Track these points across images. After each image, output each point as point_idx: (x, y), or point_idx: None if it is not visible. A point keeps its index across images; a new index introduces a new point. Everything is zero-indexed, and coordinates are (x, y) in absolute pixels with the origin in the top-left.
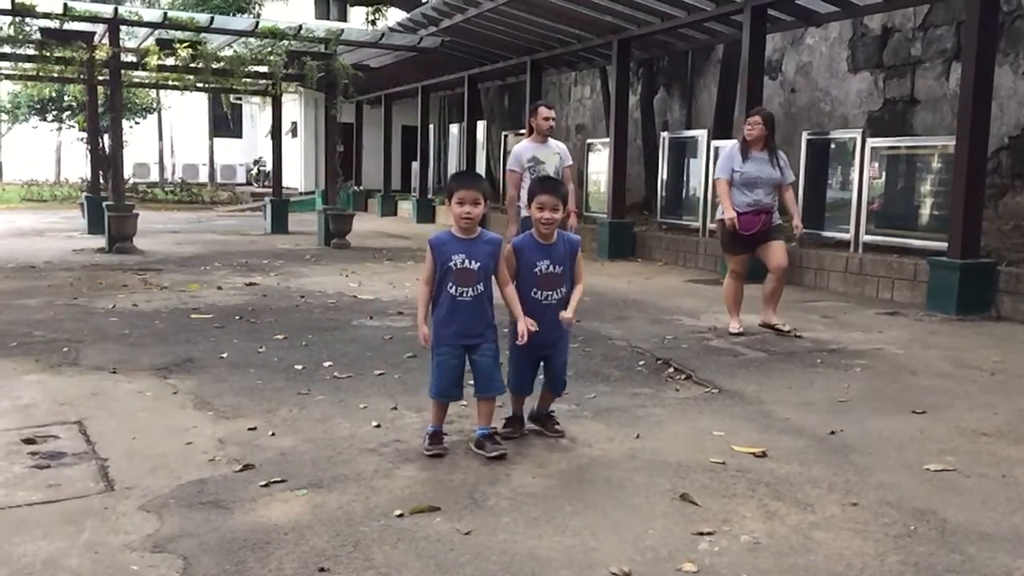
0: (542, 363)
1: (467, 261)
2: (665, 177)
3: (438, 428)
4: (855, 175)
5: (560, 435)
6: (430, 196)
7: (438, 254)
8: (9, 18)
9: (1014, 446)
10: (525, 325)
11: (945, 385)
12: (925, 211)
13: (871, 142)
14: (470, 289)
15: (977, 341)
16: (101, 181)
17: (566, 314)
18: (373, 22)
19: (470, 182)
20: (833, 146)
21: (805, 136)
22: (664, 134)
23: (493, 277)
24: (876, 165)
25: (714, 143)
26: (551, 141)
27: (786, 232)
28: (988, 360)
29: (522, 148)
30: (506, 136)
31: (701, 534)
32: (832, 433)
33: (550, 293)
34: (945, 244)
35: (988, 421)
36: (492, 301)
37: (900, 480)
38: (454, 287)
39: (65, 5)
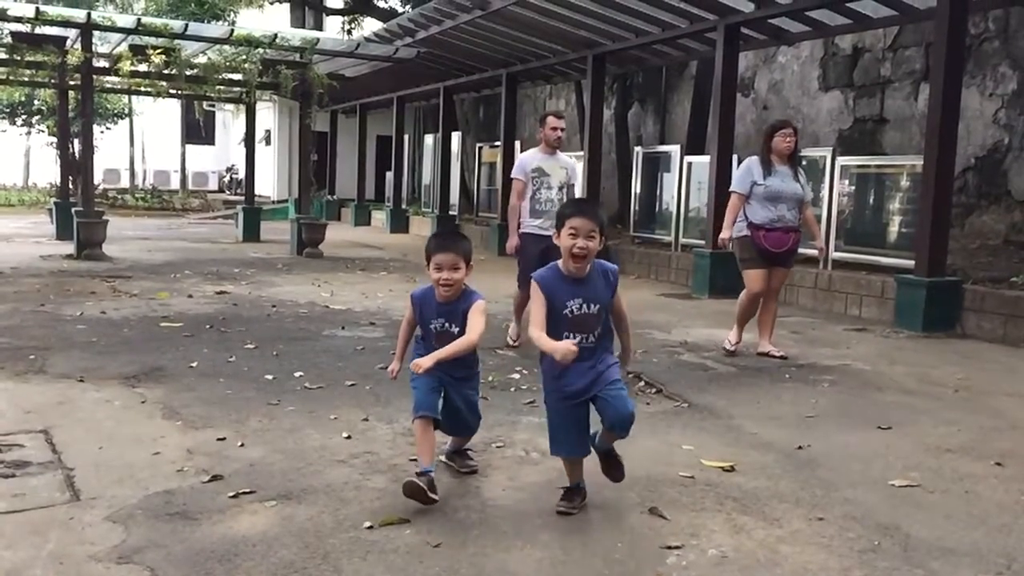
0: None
1: (447, 325)
2: (638, 191)
3: (427, 469)
4: (825, 193)
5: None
6: (404, 206)
7: (418, 312)
8: None
9: (977, 462)
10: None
11: (910, 401)
12: (893, 229)
13: (841, 160)
14: None
15: (942, 358)
16: (70, 186)
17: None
18: (349, 31)
19: (448, 244)
20: (804, 163)
21: None
22: (638, 149)
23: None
24: (846, 183)
25: (687, 158)
26: (560, 154)
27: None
28: (953, 377)
29: (528, 156)
30: (480, 148)
31: (669, 548)
32: (799, 448)
33: (585, 336)
34: (912, 262)
35: (952, 437)
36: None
37: (865, 495)
38: (436, 343)
39: (37, 9)
